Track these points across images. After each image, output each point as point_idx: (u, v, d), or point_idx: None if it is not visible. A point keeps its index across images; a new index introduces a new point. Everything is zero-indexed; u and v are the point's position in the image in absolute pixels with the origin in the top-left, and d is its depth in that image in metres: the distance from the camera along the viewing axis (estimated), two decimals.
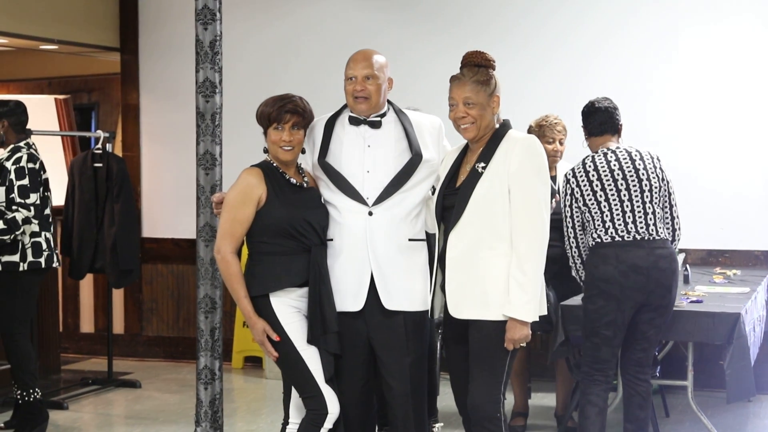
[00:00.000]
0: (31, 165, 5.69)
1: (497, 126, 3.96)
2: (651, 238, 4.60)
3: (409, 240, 4.04)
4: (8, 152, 5.76)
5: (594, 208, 4.66)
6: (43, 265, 5.76)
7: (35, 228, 5.70)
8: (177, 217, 7.83)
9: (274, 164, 4.01)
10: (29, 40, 7.47)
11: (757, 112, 6.66)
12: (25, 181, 5.66)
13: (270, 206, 3.93)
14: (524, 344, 3.86)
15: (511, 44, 7.04)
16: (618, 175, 4.66)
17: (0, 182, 5.66)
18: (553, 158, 5.44)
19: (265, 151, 4.06)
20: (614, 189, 4.65)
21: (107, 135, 6.94)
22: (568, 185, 4.78)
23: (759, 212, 6.66)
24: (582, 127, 4.90)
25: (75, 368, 7.72)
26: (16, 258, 5.68)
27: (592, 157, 4.75)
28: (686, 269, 5.83)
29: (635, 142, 4.92)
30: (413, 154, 4.03)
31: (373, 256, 3.98)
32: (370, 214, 3.99)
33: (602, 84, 6.48)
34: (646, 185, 4.65)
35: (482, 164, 3.88)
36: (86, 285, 8.25)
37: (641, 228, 4.61)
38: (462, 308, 3.87)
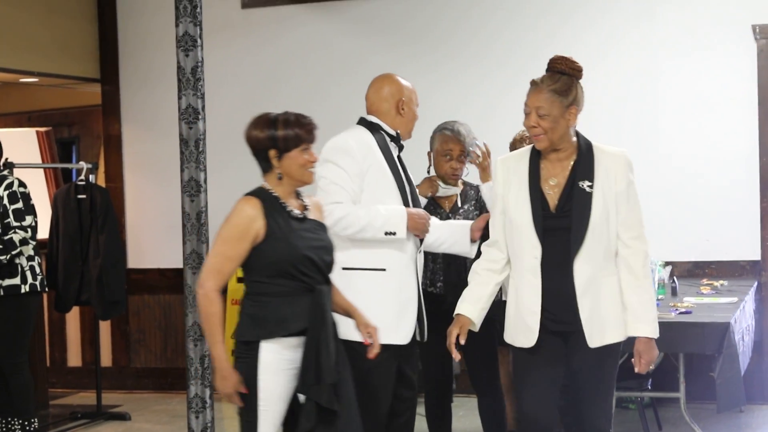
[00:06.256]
0: (22, 189, 5.71)
1: (575, 138, 3.72)
2: None
3: None
4: None
5: None
6: (39, 288, 5.83)
7: (31, 251, 5.72)
8: (162, 247, 7.80)
9: (274, 194, 3.62)
10: (9, 73, 7.44)
11: (741, 122, 6.69)
12: (19, 204, 5.68)
13: (268, 243, 3.55)
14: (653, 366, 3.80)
15: (489, 60, 7.07)
16: None
17: None
18: None
19: (265, 172, 3.65)
20: None
21: (90, 166, 6.93)
22: None
23: (744, 222, 6.68)
24: None
25: (63, 403, 7.65)
26: (17, 281, 5.71)
27: None
28: (674, 281, 5.84)
29: None
30: None
31: None
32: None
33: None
34: None
35: (587, 183, 3.68)
36: (72, 318, 8.19)
37: None
38: (595, 336, 3.70)
